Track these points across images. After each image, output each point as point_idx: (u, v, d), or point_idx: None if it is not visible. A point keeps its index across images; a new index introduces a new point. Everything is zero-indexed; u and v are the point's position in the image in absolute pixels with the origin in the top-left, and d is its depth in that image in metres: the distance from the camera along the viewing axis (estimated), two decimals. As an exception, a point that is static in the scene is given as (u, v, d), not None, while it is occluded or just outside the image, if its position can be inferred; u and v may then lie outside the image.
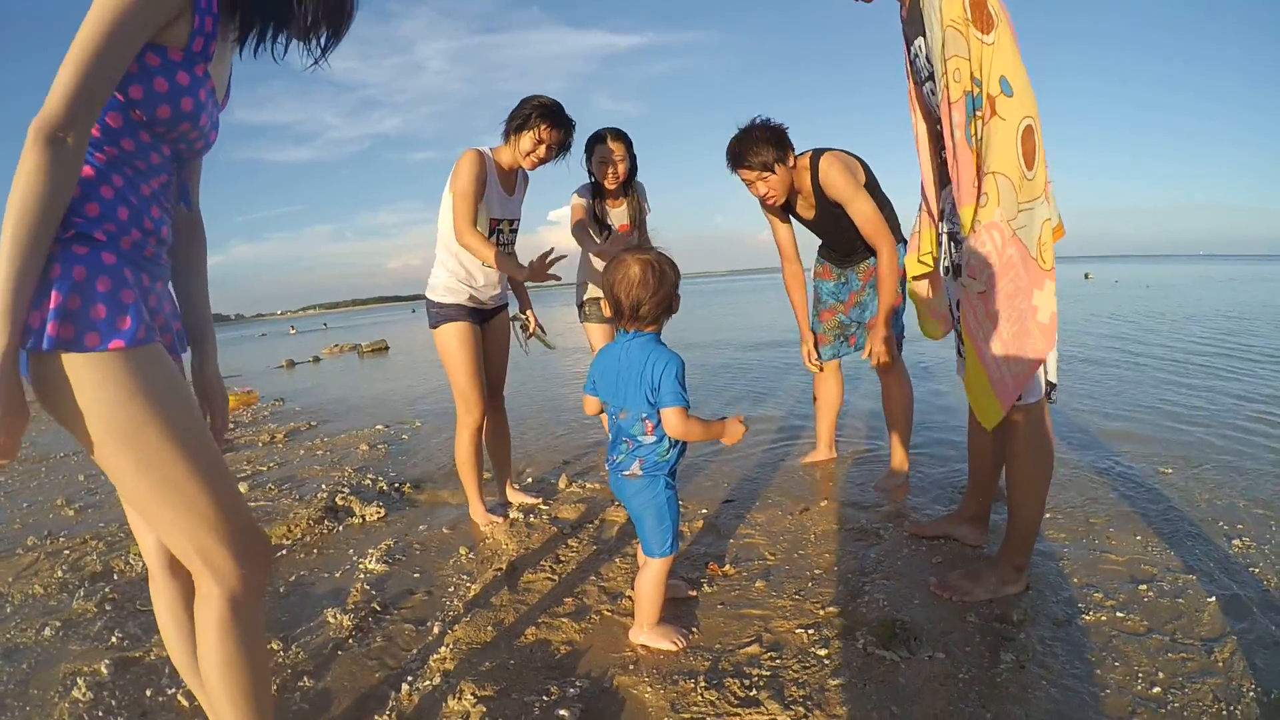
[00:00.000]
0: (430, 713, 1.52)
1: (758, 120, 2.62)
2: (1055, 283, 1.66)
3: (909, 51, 1.85)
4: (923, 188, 2.00)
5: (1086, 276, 27.02)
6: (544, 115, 2.44)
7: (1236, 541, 2.14)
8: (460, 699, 1.53)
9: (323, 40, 1.11)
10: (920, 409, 3.28)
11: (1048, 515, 2.29)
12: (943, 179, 1.90)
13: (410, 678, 1.66)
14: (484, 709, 1.49)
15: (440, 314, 2.59)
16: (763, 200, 2.76)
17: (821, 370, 3.06)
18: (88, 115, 0.89)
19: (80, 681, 1.74)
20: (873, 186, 2.67)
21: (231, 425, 6.19)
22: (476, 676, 1.63)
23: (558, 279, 2.46)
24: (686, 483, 3.08)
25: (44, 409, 0.94)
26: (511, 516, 2.80)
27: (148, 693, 1.70)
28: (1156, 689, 1.44)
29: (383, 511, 3.03)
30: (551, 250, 2.36)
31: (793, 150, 2.65)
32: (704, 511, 2.71)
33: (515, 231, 2.73)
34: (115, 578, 2.54)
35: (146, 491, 0.96)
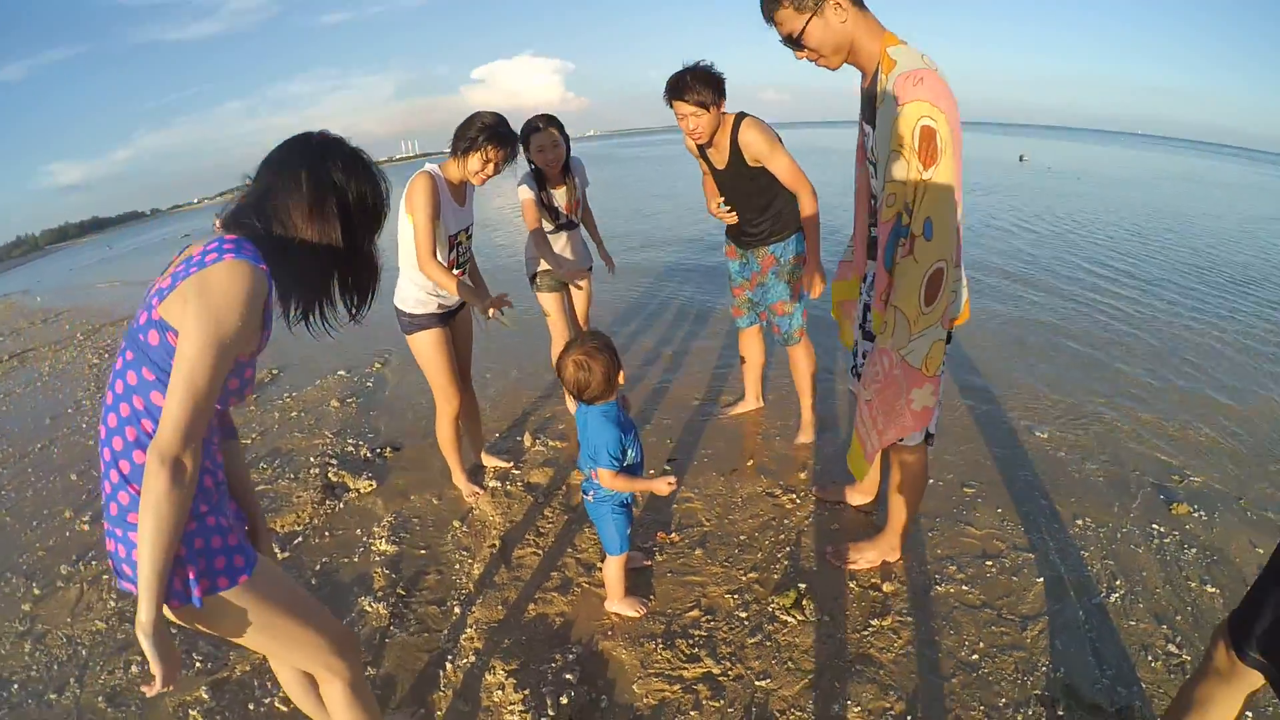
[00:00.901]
0: (474, 687, 2.14)
1: (702, 63, 2.87)
2: (938, 383, 2.01)
3: (862, 125, 2.07)
4: (854, 231, 2.35)
5: (1021, 159, 26.72)
6: (490, 137, 2.70)
7: (1079, 521, 2.74)
8: (494, 673, 2.16)
9: (356, 303, 1.46)
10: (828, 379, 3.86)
11: (932, 481, 2.96)
12: (869, 247, 2.25)
13: (450, 658, 2.26)
14: (513, 680, 2.11)
15: (413, 323, 2.93)
16: (689, 134, 2.97)
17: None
18: (198, 435, 1.17)
19: (191, 711, 2.18)
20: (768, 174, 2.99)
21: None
22: (500, 653, 2.25)
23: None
24: (645, 438, 3.67)
25: (201, 630, 1.37)
26: (490, 485, 3.35)
27: (250, 706, 2.19)
28: (975, 656, 2.09)
29: (374, 484, 3.55)
30: (505, 295, 2.78)
31: (724, 99, 2.91)
32: (651, 472, 3.26)
33: (471, 237, 3.06)
34: None
35: (282, 651, 1.48)
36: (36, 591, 3.16)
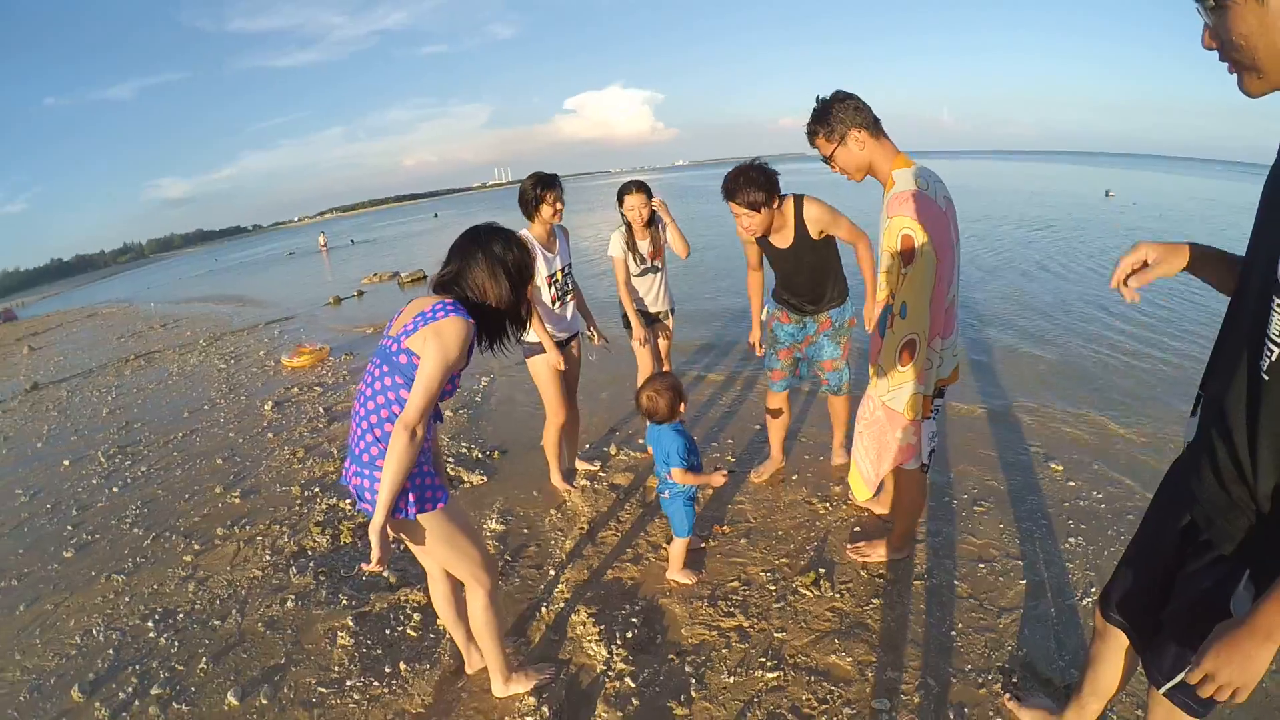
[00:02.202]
0: (561, 625, 2.90)
1: (757, 161, 3.20)
2: (919, 427, 2.56)
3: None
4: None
5: (1107, 195, 25.94)
6: (543, 188, 3.56)
7: (1072, 539, 3.16)
8: (578, 614, 2.92)
9: (519, 333, 2.26)
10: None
11: (945, 497, 3.56)
12: None
13: (544, 605, 3.04)
14: (592, 621, 2.87)
15: (532, 349, 3.73)
16: (744, 231, 3.32)
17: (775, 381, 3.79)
18: (427, 417, 1.93)
19: (340, 634, 2.99)
20: (825, 249, 3.38)
21: (316, 386, 7.57)
22: (583, 602, 3.01)
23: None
24: (706, 450, 4.43)
25: (405, 543, 2.18)
26: (580, 484, 4.14)
27: (386, 631, 3.01)
28: (952, 633, 2.65)
29: (485, 479, 4.42)
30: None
31: (779, 195, 3.20)
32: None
33: (569, 275, 3.85)
34: (311, 553, 3.81)
35: (453, 558, 2.22)
36: (196, 547, 4.12)
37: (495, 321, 2.17)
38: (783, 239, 3.36)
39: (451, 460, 4.75)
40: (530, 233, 3.63)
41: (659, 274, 4.33)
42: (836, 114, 2.50)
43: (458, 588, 2.47)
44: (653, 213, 4.18)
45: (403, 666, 2.77)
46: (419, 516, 2.07)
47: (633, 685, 2.53)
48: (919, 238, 2.34)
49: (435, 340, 1.94)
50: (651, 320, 4.37)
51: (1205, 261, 1.44)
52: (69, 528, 4.74)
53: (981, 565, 3.07)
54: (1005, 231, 15.32)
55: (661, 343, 4.54)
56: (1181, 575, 1.44)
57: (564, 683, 2.58)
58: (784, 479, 3.98)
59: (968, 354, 6.25)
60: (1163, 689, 1.45)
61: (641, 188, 4.10)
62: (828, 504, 3.64)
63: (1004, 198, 25.70)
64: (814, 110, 2.56)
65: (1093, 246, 12.68)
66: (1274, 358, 1.15)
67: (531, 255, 2.27)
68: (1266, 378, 1.17)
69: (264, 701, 2.70)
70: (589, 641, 2.77)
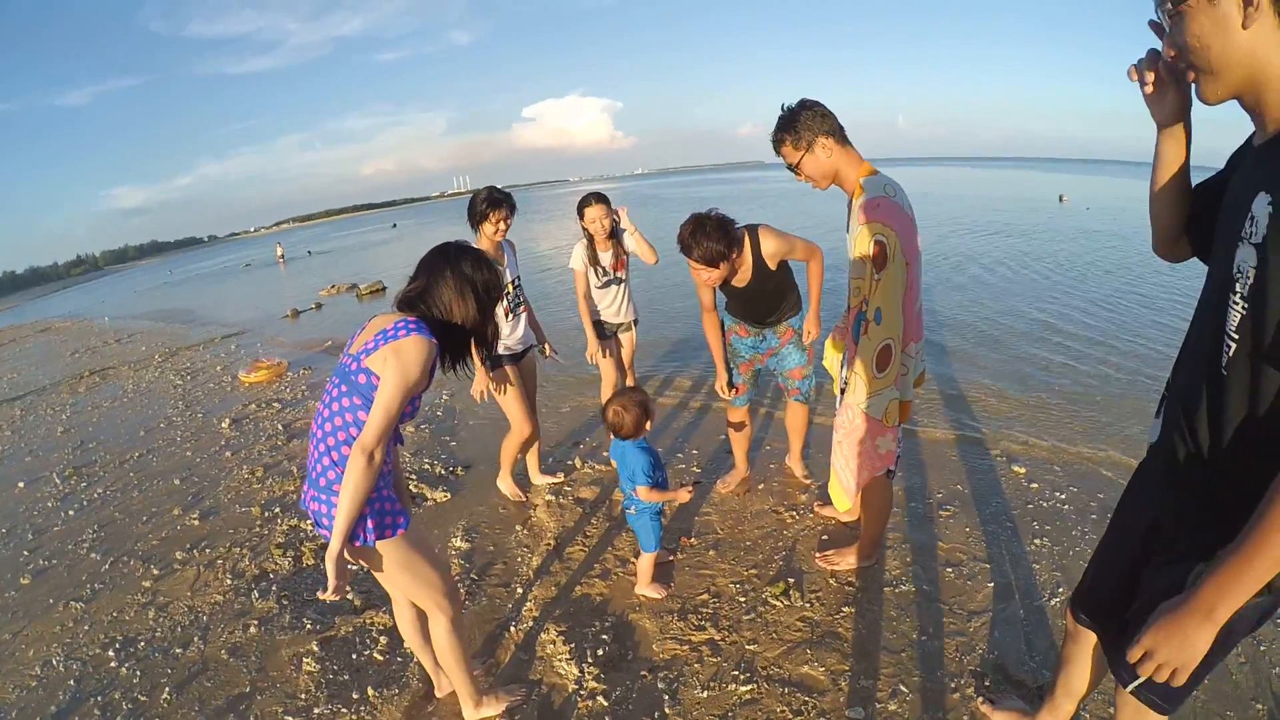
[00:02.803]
0: (531, 644, 2.89)
1: (713, 213, 3.15)
2: (896, 433, 2.64)
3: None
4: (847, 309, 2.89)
5: (1060, 200, 26.47)
6: (490, 205, 3.55)
7: (1037, 540, 3.25)
8: (548, 633, 2.91)
9: (488, 353, 2.28)
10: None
11: (911, 503, 3.63)
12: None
13: (513, 624, 3.03)
14: (562, 639, 2.86)
15: (491, 364, 3.72)
16: (703, 284, 3.33)
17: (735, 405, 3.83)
18: (386, 440, 1.90)
19: (305, 660, 2.93)
20: (781, 272, 3.40)
21: (275, 403, 7.44)
22: (552, 620, 3.01)
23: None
24: (672, 461, 4.46)
25: (363, 567, 2.12)
26: (545, 499, 4.13)
27: (352, 656, 2.96)
28: (924, 638, 2.70)
29: (449, 496, 4.38)
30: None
31: (739, 244, 3.20)
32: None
33: (519, 288, 3.87)
34: (272, 575, 3.73)
35: (414, 586, 2.19)
36: (155, 572, 4.03)
37: (460, 342, 2.15)
38: (741, 278, 3.37)
39: (414, 477, 4.70)
40: (478, 245, 3.64)
41: (622, 285, 4.36)
42: (804, 121, 2.52)
43: (422, 613, 2.45)
44: (614, 224, 4.20)
45: (370, 692, 2.74)
46: (378, 544, 2.04)
47: (605, 704, 2.53)
48: (891, 241, 2.37)
49: (396, 360, 1.91)
50: (613, 331, 4.42)
51: (1177, 146, 1.40)
52: (25, 553, 4.59)
53: (949, 569, 3.14)
54: (958, 238, 15.73)
55: (625, 353, 4.57)
56: (1145, 574, 1.47)
57: (536, 704, 2.57)
58: (750, 488, 4.02)
59: (932, 351, 6.37)
60: (1129, 687, 1.48)
61: (601, 199, 4.13)
62: (794, 513, 3.68)
63: (959, 204, 26.25)
64: (780, 118, 2.58)
65: (1040, 251, 13.12)
66: (1232, 353, 1.18)
67: (501, 276, 2.26)
68: (1226, 374, 1.20)
69: (229, 732, 2.65)
70: (559, 660, 2.76)
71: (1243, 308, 1.15)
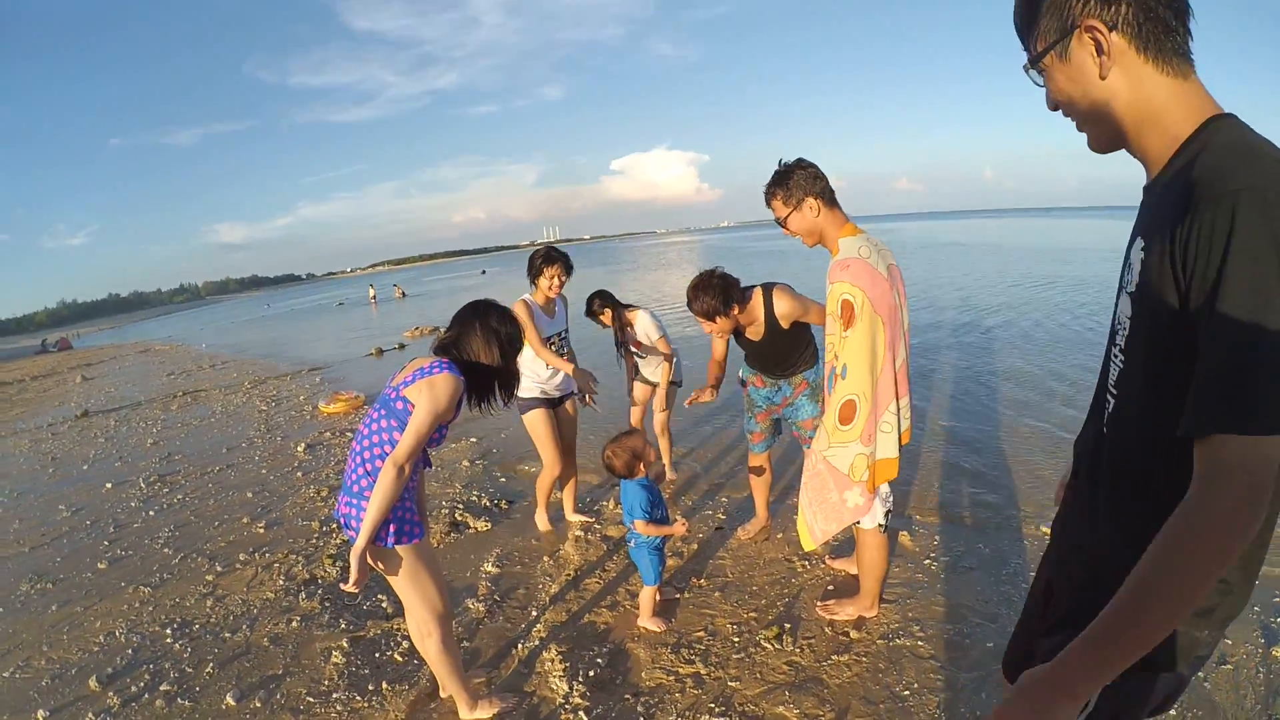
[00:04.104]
0: (532, 660, 3.17)
1: (717, 271, 3.49)
2: (865, 488, 2.68)
3: None
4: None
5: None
6: (548, 261, 4.03)
7: None
8: (549, 651, 3.19)
9: (506, 395, 2.63)
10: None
11: (926, 560, 3.73)
12: None
13: (521, 641, 3.33)
14: (560, 657, 3.13)
15: (525, 405, 4.21)
16: (710, 333, 3.63)
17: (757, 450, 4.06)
18: (415, 458, 2.31)
19: (334, 653, 3.34)
20: (796, 324, 3.56)
21: (348, 432, 8.01)
22: (556, 641, 3.28)
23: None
24: (701, 508, 4.69)
25: (379, 570, 2.47)
26: (575, 535, 4.44)
27: (376, 655, 3.34)
28: (907, 693, 2.78)
29: (489, 526, 4.75)
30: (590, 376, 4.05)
31: (738, 301, 3.48)
32: (700, 535, 4.28)
33: (565, 340, 4.31)
34: (321, 581, 4.21)
35: (414, 596, 2.51)
36: (218, 568, 4.56)
37: (485, 383, 2.56)
38: (755, 332, 3.63)
39: (461, 506, 5.10)
40: (533, 297, 4.07)
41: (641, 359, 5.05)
42: (796, 180, 2.74)
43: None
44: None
45: (384, 686, 3.08)
46: (396, 547, 2.40)
47: (585, 719, 2.77)
48: (858, 302, 2.54)
49: (429, 392, 2.32)
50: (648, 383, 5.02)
51: None
52: (105, 543, 5.25)
53: (950, 627, 3.18)
54: (1003, 288, 15.64)
55: (659, 415, 5.05)
56: (1037, 638, 1.40)
57: (524, 712, 2.84)
58: (769, 537, 4.21)
59: (957, 409, 6.43)
60: None
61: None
62: (806, 562, 3.84)
63: (1021, 255, 25.68)
64: (775, 173, 2.81)
65: (1074, 301, 12.79)
66: (1111, 409, 1.17)
67: (522, 330, 2.67)
68: (1107, 431, 1.19)
69: (258, 704, 3.04)
70: (554, 677, 3.02)
71: (1121, 361, 1.13)
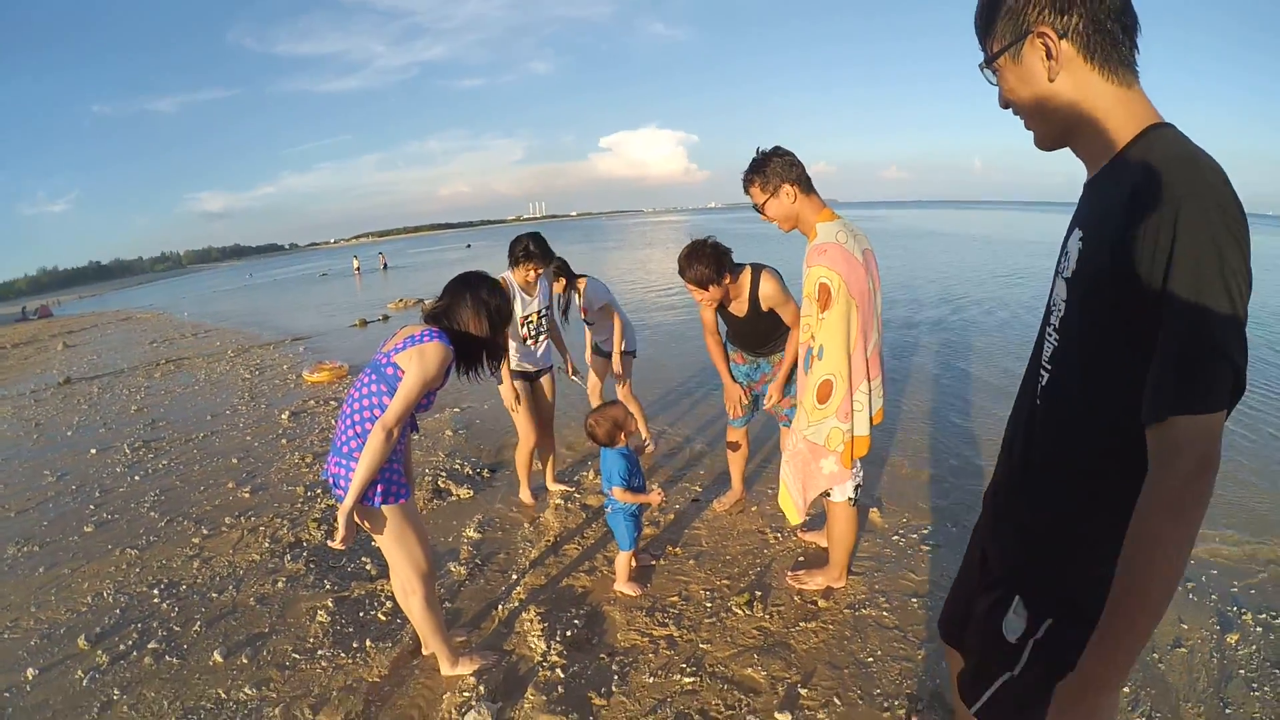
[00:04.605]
0: (512, 620, 3.31)
1: (709, 240, 3.56)
2: (841, 458, 2.83)
3: None
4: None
5: None
6: (527, 257, 4.13)
7: None
8: (528, 612, 3.33)
9: (494, 366, 2.73)
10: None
11: (894, 536, 3.87)
12: None
13: (501, 603, 3.46)
14: (539, 619, 3.27)
15: (500, 378, 4.29)
16: (699, 302, 3.68)
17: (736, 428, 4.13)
18: (403, 422, 2.40)
19: (319, 612, 3.48)
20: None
21: (332, 401, 8.09)
22: (536, 603, 3.42)
23: None
24: (679, 479, 4.85)
25: (365, 529, 2.57)
26: (555, 503, 4.57)
27: (360, 614, 3.47)
28: (870, 659, 2.91)
29: (472, 493, 4.87)
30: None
31: (730, 271, 3.56)
32: (677, 506, 4.42)
33: (544, 316, 4.40)
34: (305, 544, 4.32)
35: (398, 555, 2.61)
36: (204, 532, 4.67)
37: (473, 352, 2.66)
38: (738, 308, 3.74)
39: (444, 474, 5.23)
40: (513, 277, 4.17)
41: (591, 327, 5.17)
42: (773, 167, 2.84)
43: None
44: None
45: (368, 643, 3.21)
46: (383, 507, 2.51)
47: (561, 675, 2.91)
48: (835, 285, 2.67)
49: (419, 359, 2.42)
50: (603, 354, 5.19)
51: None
52: (91, 507, 5.34)
53: (914, 600, 3.31)
54: (977, 280, 15.73)
55: (620, 388, 5.17)
56: (976, 599, 1.50)
57: (504, 669, 2.98)
58: (744, 509, 4.35)
59: (931, 392, 6.55)
60: (972, 709, 1.47)
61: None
62: (779, 534, 3.99)
63: (1003, 248, 25.83)
64: (753, 160, 2.90)
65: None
66: (1045, 383, 1.26)
67: (511, 304, 2.77)
68: (1039, 403, 1.28)
69: (244, 661, 3.17)
70: (532, 636, 3.17)
71: (1055, 339, 1.23)
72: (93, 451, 6.97)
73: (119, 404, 9.37)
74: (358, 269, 37.38)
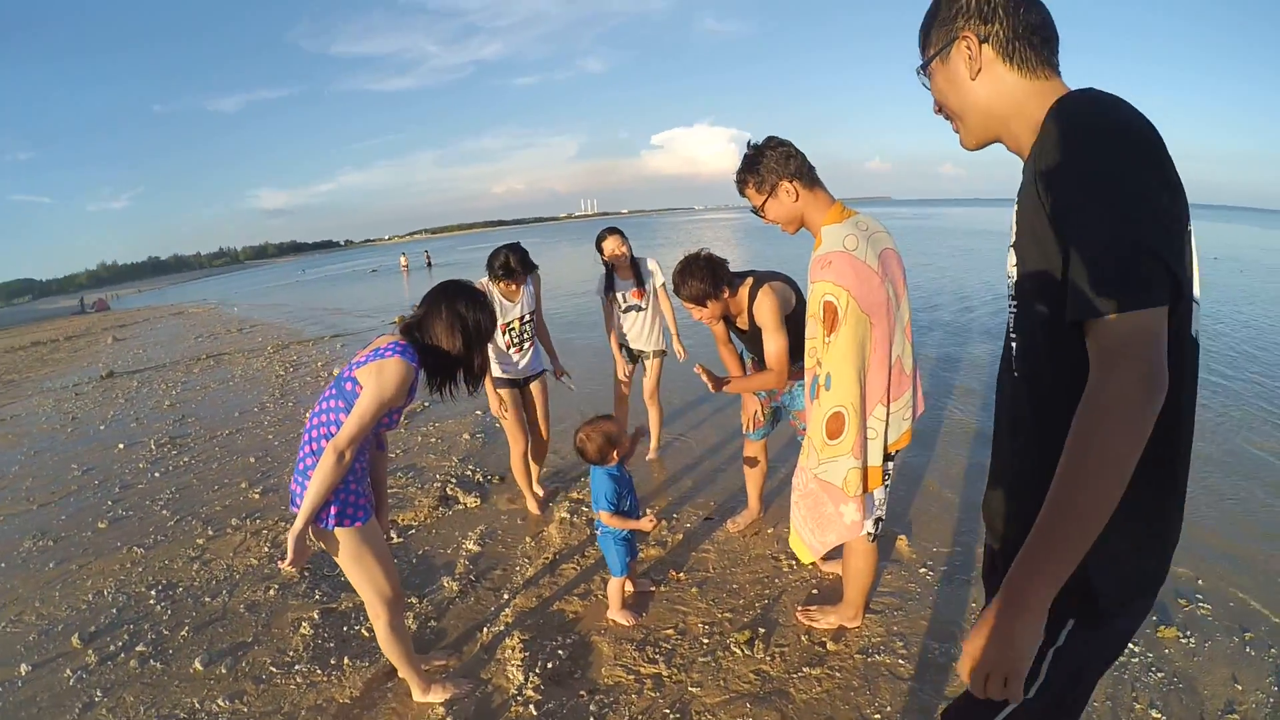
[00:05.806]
0: (495, 645, 3.21)
1: (703, 253, 3.30)
2: (859, 503, 2.51)
3: None
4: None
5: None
6: (507, 275, 4.02)
7: None
8: (512, 639, 3.22)
9: (473, 384, 2.60)
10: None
11: (922, 569, 3.63)
12: None
13: (487, 625, 3.37)
14: (522, 645, 3.17)
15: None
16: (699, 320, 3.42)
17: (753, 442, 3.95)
18: (357, 443, 2.26)
19: (303, 624, 3.44)
20: (798, 316, 3.18)
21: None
22: (521, 628, 3.31)
23: None
24: (693, 495, 4.72)
25: (323, 548, 2.49)
26: (560, 517, 4.47)
27: (344, 628, 3.42)
28: (877, 716, 2.57)
29: (479, 501, 4.81)
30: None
31: (727, 284, 3.29)
32: (688, 525, 4.26)
33: (529, 322, 4.30)
34: None
35: (360, 579, 2.52)
36: (210, 533, 4.73)
37: (447, 368, 2.52)
38: (743, 322, 3.50)
39: (454, 480, 5.18)
40: (493, 287, 4.11)
41: (642, 313, 4.85)
42: (767, 163, 2.53)
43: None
44: (633, 256, 4.77)
45: (346, 661, 3.16)
46: (336, 530, 2.41)
47: (535, 713, 2.78)
48: (842, 303, 2.34)
49: (376, 376, 2.30)
50: (635, 357, 5.00)
51: None
52: (109, 502, 5.50)
53: (936, 645, 3.03)
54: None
55: (646, 381, 5.05)
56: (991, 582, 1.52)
57: (475, 700, 2.87)
58: (759, 531, 4.16)
59: (977, 403, 6.11)
60: None
61: (616, 232, 4.74)
62: (793, 562, 3.77)
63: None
64: (744, 157, 2.61)
65: None
66: (1015, 350, 1.31)
67: (494, 318, 2.62)
68: (1016, 372, 1.32)
69: (223, 671, 3.17)
70: (512, 665, 3.05)
71: (1013, 306, 1.29)
72: (120, 446, 7.16)
73: (154, 399, 9.62)
74: (405, 266, 37.99)
